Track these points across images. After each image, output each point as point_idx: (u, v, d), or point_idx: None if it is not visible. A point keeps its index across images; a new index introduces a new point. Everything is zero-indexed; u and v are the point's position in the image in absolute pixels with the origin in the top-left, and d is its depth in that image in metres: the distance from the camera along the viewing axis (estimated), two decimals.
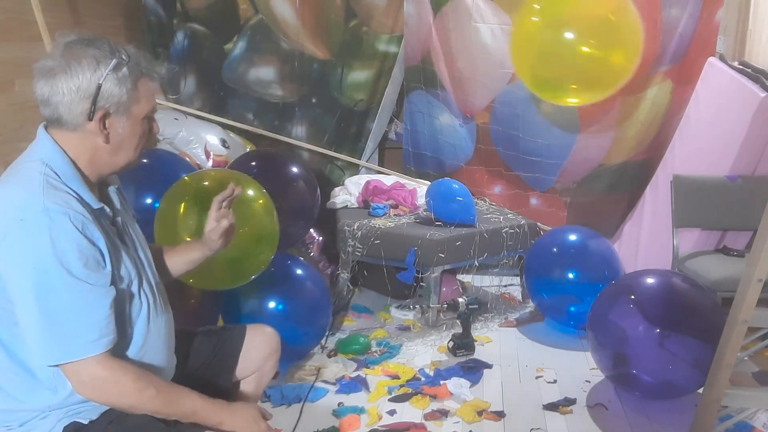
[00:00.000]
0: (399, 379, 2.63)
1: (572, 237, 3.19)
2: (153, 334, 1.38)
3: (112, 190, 1.42)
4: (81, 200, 1.26)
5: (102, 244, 1.26)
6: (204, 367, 1.63)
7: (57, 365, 1.23)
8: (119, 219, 1.40)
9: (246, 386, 1.71)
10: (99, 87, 1.26)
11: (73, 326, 1.21)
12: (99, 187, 1.39)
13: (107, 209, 1.34)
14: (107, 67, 1.26)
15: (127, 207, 1.50)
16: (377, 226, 3.19)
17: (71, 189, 1.26)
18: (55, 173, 1.25)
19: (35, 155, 1.28)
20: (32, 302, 1.19)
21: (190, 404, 1.33)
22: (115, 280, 1.29)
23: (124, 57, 1.29)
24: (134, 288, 1.34)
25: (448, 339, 2.92)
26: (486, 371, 2.73)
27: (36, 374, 1.26)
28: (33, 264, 1.18)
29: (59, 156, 1.28)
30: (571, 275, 3.04)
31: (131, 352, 1.34)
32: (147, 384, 1.27)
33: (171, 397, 1.31)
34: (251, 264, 2.40)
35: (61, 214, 1.19)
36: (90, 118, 1.27)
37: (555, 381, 2.66)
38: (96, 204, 1.30)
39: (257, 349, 1.70)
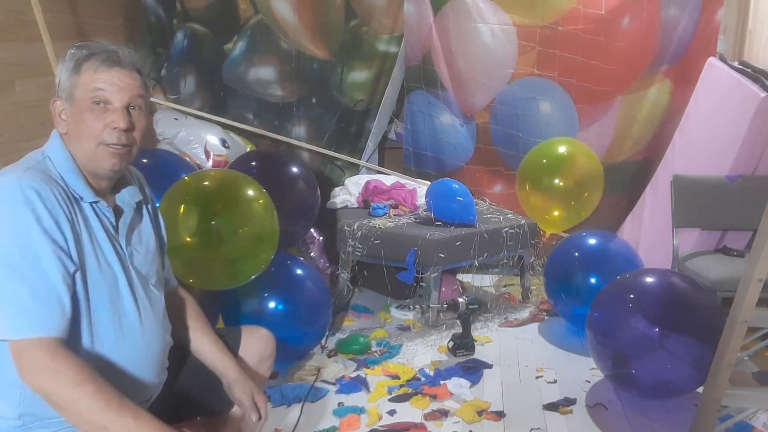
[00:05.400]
0: (399, 379, 2.63)
1: (592, 241, 3.12)
2: (128, 344, 1.34)
3: (124, 193, 1.42)
4: (67, 189, 1.29)
5: (66, 229, 1.24)
6: (201, 374, 1.61)
7: (4, 339, 1.20)
8: (124, 221, 1.39)
9: None
10: (59, 80, 1.33)
11: (26, 300, 1.18)
12: (114, 187, 1.41)
13: (104, 205, 1.35)
14: (62, 61, 1.34)
15: (148, 216, 1.50)
16: (377, 226, 3.19)
17: (62, 178, 1.30)
18: (52, 163, 1.31)
19: (43, 148, 1.35)
20: None
21: (130, 420, 1.19)
22: (86, 266, 1.28)
23: (75, 47, 1.32)
24: (111, 290, 1.32)
25: (448, 339, 2.92)
26: (486, 371, 2.73)
27: (9, 365, 1.22)
28: None
29: (59, 149, 1.33)
30: (593, 280, 2.95)
31: (95, 351, 1.30)
32: (87, 379, 1.19)
33: (111, 401, 1.19)
34: (251, 264, 2.40)
35: (29, 188, 1.21)
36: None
37: (555, 381, 2.66)
38: (90, 197, 1.32)
39: (252, 354, 1.69)
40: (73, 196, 1.29)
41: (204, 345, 1.60)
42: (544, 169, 3.48)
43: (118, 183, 1.43)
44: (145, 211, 1.50)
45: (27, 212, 1.20)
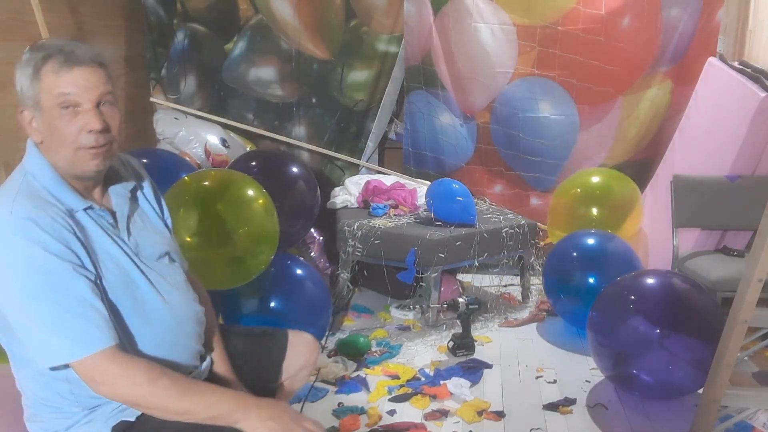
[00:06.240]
0: (399, 379, 2.63)
1: (591, 241, 3.09)
2: (161, 329, 1.36)
3: (116, 189, 1.40)
4: (59, 202, 1.26)
5: (74, 243, 1.24)
6: (242, 371, 1.61)
7: (65, 365, 1.22)
8: (121, 215, 1.38)
9: (278, 391, 1.69)
10: (20, 88, 1.30)
11: (71, 323, 1.19)
12: (104, 184, 1.38)
13: (98, 207, 1.33)
14: (19, 67, 1.29)
15: (146, 199, 1.49)
16: (377, 226, 3.19)
17: (50, 192, 1.27)
18: (35, 178, 1.28)
19: (23, 163, 1.32)
20: (22, 305, 1.19)
21: (210, 398, 1.27)
22: (102, 275, 1.27)
23: (29, 50, 1.28)
24: (128, 286, 1.32)
25: (448, 339, 2.92)
26: (486, 371, 2.73)
27: (55, 380, 1.26)
28: (11, 271, 1.18)
29: (38, 161, 1.30)
30: (591, 280, 2.94)
31: (137, 348, 1.32)
32: (160, 374, 1.24)
33: (187, 388, 1.26)
34: (251, 264, 2.40)
35: (24, 220, 1.19)
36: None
37: (555, 381, 2.66)
38: (81, 204, 1.30)
39: (296, 359, 1.67)
40: (65, 209, 1.27)
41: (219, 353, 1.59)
42: (581, 198, 3.40)
43: (109, 177, 1.39)
44: (141, 195, 1.48)
45: (32, 245, 1.18)
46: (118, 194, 1.40)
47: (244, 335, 1.70)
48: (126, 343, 1.29)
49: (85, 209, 1.30)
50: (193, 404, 1.25)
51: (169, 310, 1.38)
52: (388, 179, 3.70)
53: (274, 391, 1.66)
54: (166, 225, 1.55)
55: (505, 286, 3.75)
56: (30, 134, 1.31)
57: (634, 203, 3.41)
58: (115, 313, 1.29)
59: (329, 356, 2.81)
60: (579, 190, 3.44)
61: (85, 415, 1.30)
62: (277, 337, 1.69)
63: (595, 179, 3.45)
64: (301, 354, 1.68)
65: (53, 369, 1.23)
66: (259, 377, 1.63)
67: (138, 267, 1.36)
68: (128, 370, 1.22)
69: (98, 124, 1.27)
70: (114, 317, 1.27)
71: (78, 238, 1.25)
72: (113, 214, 1.37)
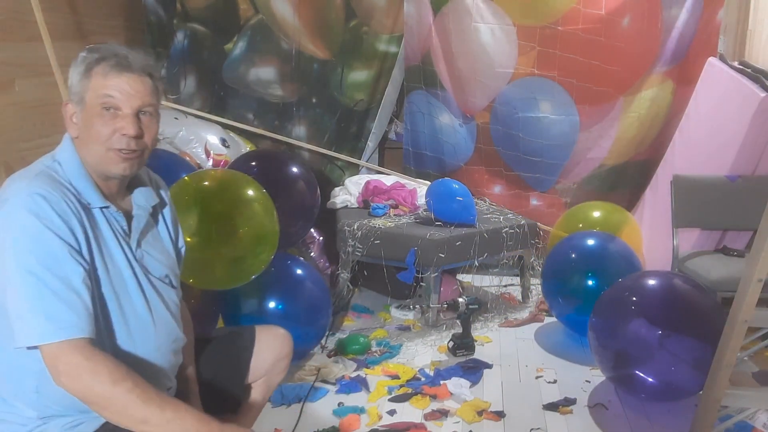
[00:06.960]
0: (399, 379, 2.63)
1: (591, 242, 3.07)
2: (141, 346, 1.35)
3: (138, 194, 1.41)
4: (76, 194, 1.28)
5: (78, 230, 1.24)
6: (214, 374, 1.61)
7: (35, 346, 1.19)
8: (137, 225, 1.38)
9: (255, 389, 1.69)
10: (71, 83, 1.33)
11: (52, 305, 1.18)
12: (129, 187, 1.40)
13: (114, 210, 1.34)
14: (74, 64, 1.33)
15: (164, 221, 1.49)
16: (377, 226, 3.19)
17: (71, 184, 1.29)
18: (61, 168, 1.30)
19: (54, 152, 1.35)
20: (12, 277, 1.18)
21: (170, 412, 1.20)
22: (96, 271, 1.27)
23: (86, 50, 1.32)
24: (119, 293, 1.32)
25: (448, 339, 2.92)
26: (486, 371, 2.73)
27: (24, 371, 1.25)
28: (11, 240, 1.19)
29: (69, 153, 1.32)
30: (591, 282, 2.92)
31: (113, 352, 1.30)
32: (125, 375, 1.20)
33: (150, 396, 1.20)
34: (251, 264, 2.40)
35: (37, 195, 1.21)
36: None
37: (555, 381, 2.66)
38: (99, 202, 1.31)
39: (267, 353, 1.67)
40: (81, 202, 1.28)
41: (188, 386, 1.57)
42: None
43: (132, 184, 1.41)
44: (161, 215, 1.49)
45: (36, 220, 1.19)
46: (140, 206, 1.41)
47: (215, 341, 1.69)
48: (104, 344, 1.27)
49: (101, 208, 1.32)
50: (152, 414, 1.19)
51: (153, 330, 1.37)
52: (388, 179, 3.70)
53: (242, 393, 1.65)
54: (179, 253, 1.55)
55: (505, 286, 3.75)
56: (68, 128, 1.34)
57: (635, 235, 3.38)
58: (101, 314, 1.27)
59: (329, 356, 2.81)
60: (581, 225, 3.40)
61: (37, 426, 1.28)
62: (243, 335, 1.67)
63: (597, 214, 3.43)
64: (272, 347, 1.68)
65: (30, 349, 1.20)
66: (225, 379, 1.62)
67: (137, 277, 1.35)
68: (94, 366, 1.18)
69: (133, 129, 1.30)
70: (98, 317, 1.26)
71: (84, 227, 1.26)
72: (129, 221, 1.38)
